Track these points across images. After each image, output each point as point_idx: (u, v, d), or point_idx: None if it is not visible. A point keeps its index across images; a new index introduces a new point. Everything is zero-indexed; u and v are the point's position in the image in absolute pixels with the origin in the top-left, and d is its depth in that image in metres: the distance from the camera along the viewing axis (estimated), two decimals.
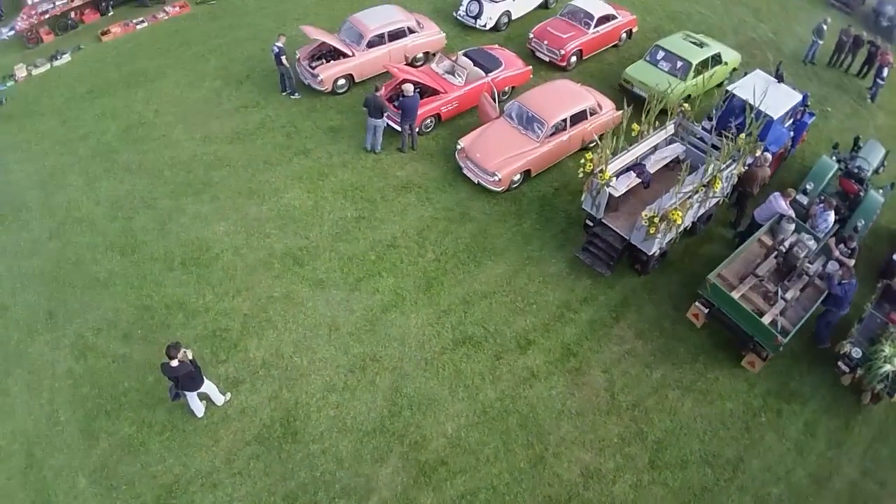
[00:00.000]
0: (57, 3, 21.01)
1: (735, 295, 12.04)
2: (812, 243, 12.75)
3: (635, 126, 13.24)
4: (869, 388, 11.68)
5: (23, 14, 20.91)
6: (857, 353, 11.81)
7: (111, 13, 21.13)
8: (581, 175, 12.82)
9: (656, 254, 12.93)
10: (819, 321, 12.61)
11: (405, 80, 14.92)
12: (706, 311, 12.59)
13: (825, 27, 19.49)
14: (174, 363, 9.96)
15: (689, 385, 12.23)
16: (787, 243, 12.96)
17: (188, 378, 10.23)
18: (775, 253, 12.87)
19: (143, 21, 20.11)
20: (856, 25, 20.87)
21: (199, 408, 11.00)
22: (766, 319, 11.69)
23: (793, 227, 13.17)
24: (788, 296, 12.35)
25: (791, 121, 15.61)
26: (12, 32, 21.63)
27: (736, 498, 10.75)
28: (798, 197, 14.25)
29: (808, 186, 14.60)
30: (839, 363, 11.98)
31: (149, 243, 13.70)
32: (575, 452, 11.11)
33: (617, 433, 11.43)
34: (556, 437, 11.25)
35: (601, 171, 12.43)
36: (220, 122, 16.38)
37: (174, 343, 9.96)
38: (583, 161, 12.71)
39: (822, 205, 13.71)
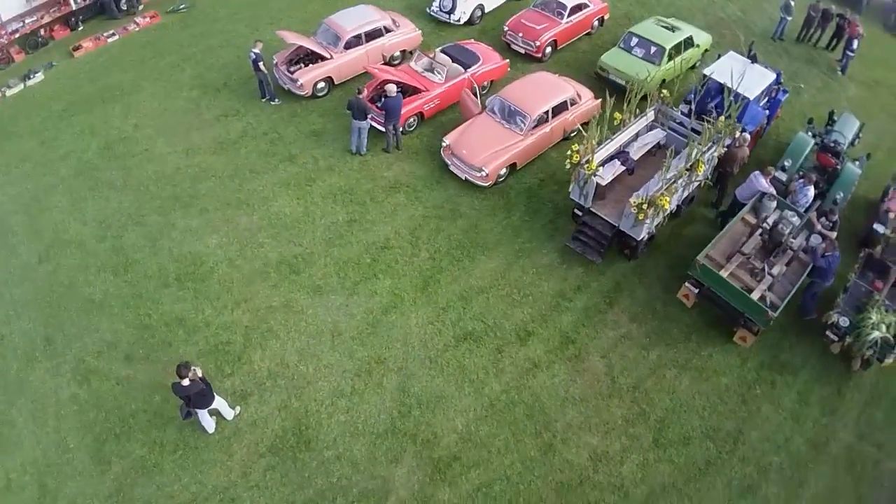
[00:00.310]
0: (27, 22, 20.62)
1: (724, 274, 12.43)
2: (795, 220, 13.19)
3: (617, 115, 13.50)
4: (858, 354, 12.17)
5: None
6: (844, 321, 12.29)
7: (81, 28, 20.74)
8: (568, 166, 13.06)
9: (644, 238, 13.26)
10: (805, 293, 13.05)
11: (387, 81, 14.98)
12: (696, 291, 12.97)
13: (793, 3, 19.90)
14: (185, 382, 10.03)
15: (685, 363, 12.63)
16: (770, 220, 13.39)
17: (200, 396, 10.31)
18: (760, 231, 13.28)
19: (113, 34, 19.78)
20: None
21: (209, 424, 11.09)
22: (755, 295, 12.12)
23: (774, 204, 13.58)
24: (775, 271, 12.78)
25: (766, 99, 16.00)
26: None
27: (739, 469, 11.19)
28: (777, 174, 14.65)
29: (786, 163, 15.02)
30: (827, 332, 12.46)
31: (141, 261, 13.65)
32: (582, 437, 11.45)
33: (620, 415, 11.79)
34: (563, 424, 11.57)
35: (588, 161, 12.68)
36: (201, 132, 16.28)
37: (184, 362, 10.02)
38: (569, 153, 12.95)
39: (801, 180, 14.14)
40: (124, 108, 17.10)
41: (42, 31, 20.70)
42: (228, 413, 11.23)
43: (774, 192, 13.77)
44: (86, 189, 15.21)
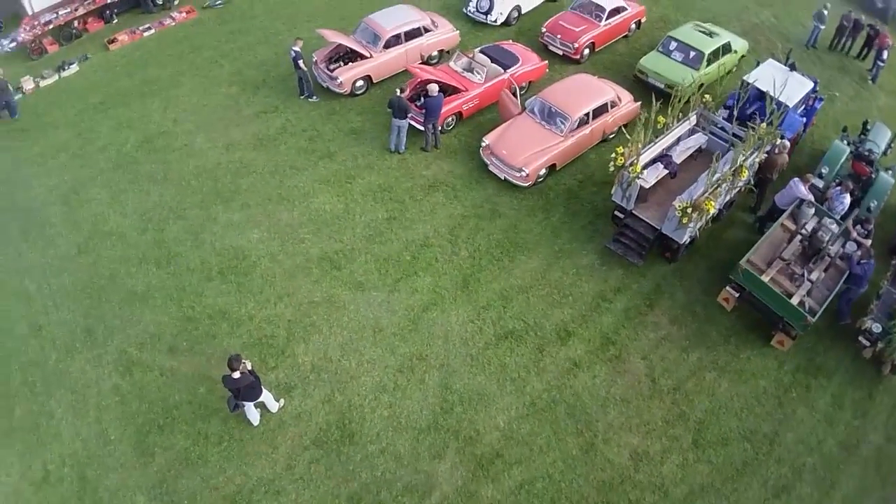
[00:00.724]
0: (60, 13, 20.84)
1: (765, 279, 12.48)
2: (835, 227, 13.26)
3: (660, 118, 13.56)
4: (889, 359, 12.28)
5: (24, 25, 20.67)
6: (876, 327, 12.42)
7: (115, 21, 20.98)
8: (612, 169, 13.12)
9: (686, 242, 13.30)
10: (840, 299, 13.13)
11: (428, 81, 15.09)
12: (737, 295, 13.01)
13: (826, 12, 19.93)
14: (236, 375, 10.13)
15: (724, 366, 12.68)
16: (808, 227, 13.45)
17: (249, 389, 10.42)
18: (800, 237, 13.34)
19: (149, 28, 20.00)
20: (853, 9, 21.34)
21: (255, 416, 11.19)
22: (794, 300, 12.17)
23: (812, 211, 13.64)
24: (813, 277, 12.83)
25: (803, 107, 16.05)
26: (14, 44, 21.38)
27: (774, 470, 11.27)
28: (815, 181, 14.71)
29: (823, 170, 15.07)
30: (860, 338, 12.56)
31: (184, 254, 13.80)
32: (623, 437, 11.50)
33: (661, 416, 11.85)
34: (604, 424, 11.63)
35: (633, 164, 12.73)
36: (240, 128, 16.45)
37: (235, 355, 10.13)
38: (613, 155, 13.03)
39: (838, 188, 14.22)
40: (163, 102, 17.29)
41: (76, 24, 20.97)
42: (273, 406, 11.33)
43: (813, 200, 13.82)
44: (125, 182, 15.39)
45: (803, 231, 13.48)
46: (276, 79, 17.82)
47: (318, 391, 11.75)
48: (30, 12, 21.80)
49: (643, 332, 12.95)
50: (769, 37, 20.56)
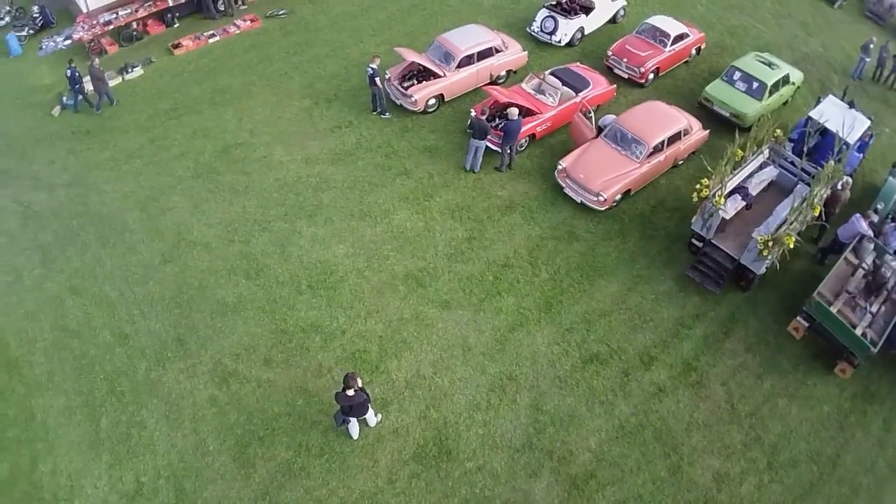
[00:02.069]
0: (120, 14, 21.21)
1: (833, 310, 13.14)
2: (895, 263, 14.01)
3: (738, 151, 14.19)
4: None
5: (81, 23, 20.94)
6: None
7: (177, 25, 21.37)
8: (695, 199, 13.73)
9: (762, 272, 13.93)
10: (893, 329, 13.78)
11: (509, 104, 15.62)
12: (807, 325, 13.66)
13: (872, 45, 20.62)
14: (350, 392, 10.63)
15: (794, 392, 13.33)
16: (869, 261, 14.19)
17: (360, 406, 10.92)
18: (863, 272, 14.07)
19: (214, 35, 20.41)
20: (890, 38, 22.05)
21: (355, 430, 11.69)
22: (857, 331, 12.87)
23: (872, 246, 14.35)
24: (874, 309, 13.54)
25: (858, 143, 16.75)
26: (69, 42, 21.77)
27: (836, 490, 11.99)
28: (872, 217, 15.39)
29: (878, 206, 15.76)
30: None
31: (272, 267, 14.26)
32: (706, 460, 12.11)
33: (739, 440, 12.47)
34: (689, 447, 12.22)
35: (717, 196, 13.35)
36: (317, 142, 16.92)
37: (351, 374, 10.62)
38: (698, 186, 13.65)
39: (893, 223, 14.96)
40: (237, 112, 17.72)
41: (135, 25, 21.35)
42: (372, 420, 11.83)
43: (873, 235, 14.52)
44: (206, 191, 15.82)
45: (865, 266, 14.19)
46: (348, 93, 18.29)
47: (414, 407, 12.25)
48: (84, 10, 22.16)
49: (721, 359, 13.55)
50: (819, 67, 21.21)
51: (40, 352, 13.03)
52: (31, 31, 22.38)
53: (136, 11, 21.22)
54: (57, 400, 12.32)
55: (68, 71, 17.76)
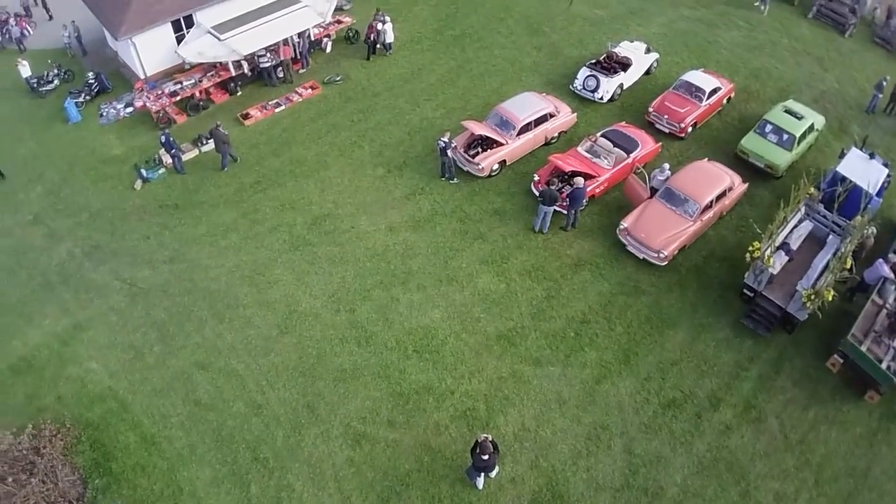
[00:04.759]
0: (185, 84, 23.19)
1: (863, 349, 15.84)
2: None
3: (781, 213, 16.82)
4: None
5: (146, 93, 22.78)
6: None
7: (240, 93, 23.37)
8: (748, 259, 16.32)
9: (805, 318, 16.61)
10: None
11: (574, 173, 18.07)
12: (842, 361, 16.33)
13: (885, 83, 23.25)
14: (485, 456, 13.11)
15: (833, 418, 15.95)
16: (892, 301, 16.79)
17: (492, 463, 13.42)
18: (886, 311, 16.71)
19: (279, 104, 22.49)
20: None
21: (480, 482, 14.15)
22: (883, 365, 15.56)
23: (894, 287, 16.99)
24: (895, 344, 16.29)
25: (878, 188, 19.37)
26: (131, 109, 23.70)
27: (867, 497, 14.56)
28: (893, 258, 18.01)
29: None
30: None
31: (378, 334, 16.60)
32: (768, 483, 14.69)
33: (792, 464, 15.07)
34: (754, 474, 14.80)
35: (768, 256, 15.97)
36: (396, 210, 19.22)
37: (489, 440, 13.06)
38: (751, 249, 16.24)
39: None
40: (318, 184, 19.94)
41: (198, 94, 23.30)
42: (493, 472, 14.31)
43: (894, 278, 17.16)
44: (305, 263, 18.08)
45: (889, 306, 16.85)
46: (415, 160, 20.58)
47: (524, 458, 14.72)
48: (142, 76, 24.14)
49: (774, 395, 16.16)
50: (836, 104, 23.79)
51: (176, 426, 15.13)
52: (88, 98, 24.13)
53: (200, 81, 23.19)
54: (202, 472, 14.43)
55: (163, 137, 19.75)
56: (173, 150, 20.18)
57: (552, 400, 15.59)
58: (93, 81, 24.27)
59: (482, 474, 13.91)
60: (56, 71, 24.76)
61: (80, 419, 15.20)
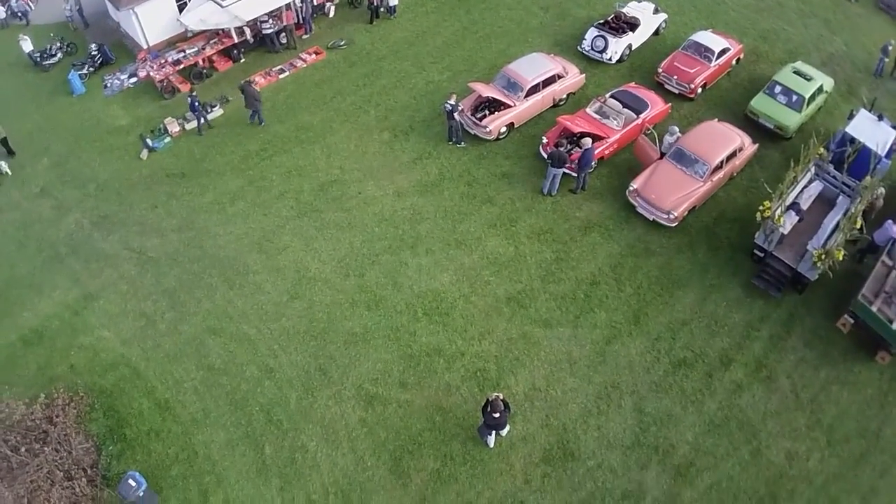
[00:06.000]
0: (188, 53, 23.04)
1: (874, 309, 15.87)
2: None
3: (791, 173, 16.74)
4: None
5: (150, 63, 22.66)
6: None
7: (243, 60, 23.22)
8: (759, 219, 16.29)
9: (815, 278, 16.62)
10: None
11: (583, 134, 17.96)
12: (853, 321, 16.38)
13: (891, 47, 22.97)
14: (496, 414, 13.25)
15: (844, 379, 16.04)
16: None
17: (503, 422, 13.56)
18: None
19: (283, 70, 22.34)
20: None
21: (491, 440, 14.33)
22: (894, 326, 15.59)
23: None
24: None
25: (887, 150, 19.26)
26: (135, 80, 23.60)
27: (879, 458, 14.66)
28: None
29: None
30: None
31: (388, 297, 16.69)
32: (779, 442, 14.84)
33: (803, 423, 15.20)
34: (765, 433, 14.95)
35: (778, 216, 15.93)
36: (403, 175, 19.19)
37: (500, 399, 13.20)
38: (761, 208, 16.20)
39: None
40: (324, 150, 19.89)
41: (201, 62, 23.16)
42: (504, 430, 14.46)
43: None
44: (313, 229, 18.12)
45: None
46: (422, 124, 20.48)
47: (535, 416, 14.88)
48: (145, 46, 23.98)
49: (785, 355, 16.25)
50: (844, 67, 23.55)
51: (190, 391, 15.35)
52: (91, 69, 24.07)
53: (203, 49, 23.03)
54: (217, 435, 14.67)
55: (189, 99, 19.91)
56: (197, 113, 20.13)
57: (562, 360, 15.71)
58: (96, 53, 24.23)
59: (493, 433, 14.06)
60: (59, 44, 24.71)
61: (93, 387, 15.38)
